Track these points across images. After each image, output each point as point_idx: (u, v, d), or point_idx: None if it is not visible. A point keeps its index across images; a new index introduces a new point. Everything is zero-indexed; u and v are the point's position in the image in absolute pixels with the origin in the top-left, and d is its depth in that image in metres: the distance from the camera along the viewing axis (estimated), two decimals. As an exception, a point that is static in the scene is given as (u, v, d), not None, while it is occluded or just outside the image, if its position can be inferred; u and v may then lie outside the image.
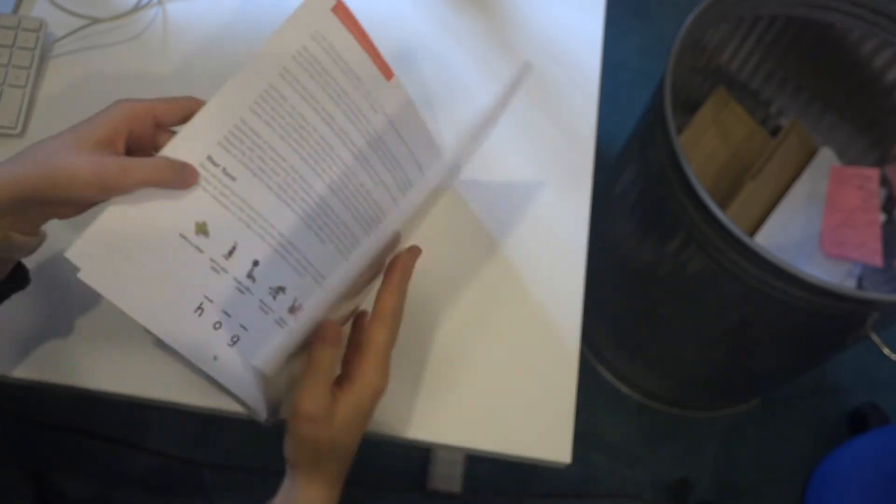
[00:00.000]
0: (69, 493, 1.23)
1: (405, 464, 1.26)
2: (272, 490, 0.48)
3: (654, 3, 1.68)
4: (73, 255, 0.43)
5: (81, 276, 0.43)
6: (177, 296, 0.47)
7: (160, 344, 0.55)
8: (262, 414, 0.50)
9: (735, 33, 1.17)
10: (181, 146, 0.45)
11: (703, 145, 1.23)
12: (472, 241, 0.63)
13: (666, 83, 0.88)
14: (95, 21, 0.68)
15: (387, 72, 0.52)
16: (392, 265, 0.48)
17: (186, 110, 0.46)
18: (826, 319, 0.89)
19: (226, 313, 0.48)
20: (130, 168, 0.43)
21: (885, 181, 1.20)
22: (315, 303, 0.47)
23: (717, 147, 1.24)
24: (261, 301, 0.49)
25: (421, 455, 1.26)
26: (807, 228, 1.19)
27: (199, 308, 0.47)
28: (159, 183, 0.44)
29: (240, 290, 0.48)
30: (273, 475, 0.50)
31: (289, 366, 0.44)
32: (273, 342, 0.41)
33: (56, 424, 1.19)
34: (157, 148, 0.46)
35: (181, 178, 0.45)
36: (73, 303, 0.57)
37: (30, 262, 0.49)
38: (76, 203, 0.44)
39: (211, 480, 1.24)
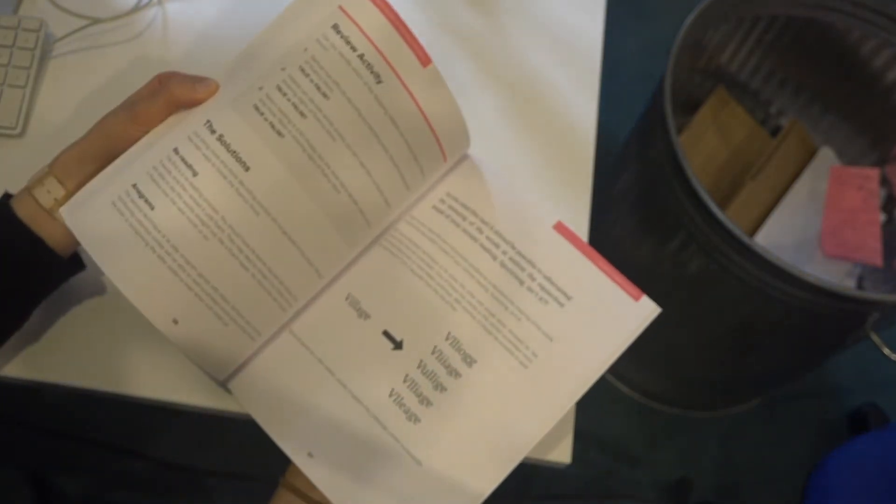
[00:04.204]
0: (70, 493, 1.23)
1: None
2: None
3: (654, 3, 1.68)
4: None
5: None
6: None
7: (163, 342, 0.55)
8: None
9: (735, 33, 1.17)
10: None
11: (703, 145, 1.23)
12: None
13: (666, 83, 0.88)
14: (95, 21, 0.68)
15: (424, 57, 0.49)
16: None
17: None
18: (826, 319, 0.89)
19: None
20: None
21: (885, 181, 1.20)
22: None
23: (717, 147, 1.24)
24: None
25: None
26: (807, 228, 1.19)
27: None
28: (180, 95, 0.48)
29: None
30: (274, 482, 0.50)
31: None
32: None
33: (56, 431, 1.19)
34: None
35: (204, 86, 0.48)
36: (72, 303, 0.57)
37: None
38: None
39: (213, 484, 1.24)
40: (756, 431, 1.38)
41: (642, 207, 1.02)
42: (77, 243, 0.49)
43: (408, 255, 0.52)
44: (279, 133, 0.46)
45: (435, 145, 0.51)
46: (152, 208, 0.44)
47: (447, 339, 0.50)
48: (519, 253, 0.52)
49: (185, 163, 0.45)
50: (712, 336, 1.08)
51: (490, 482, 0.47)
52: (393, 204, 0.51)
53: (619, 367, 1.35)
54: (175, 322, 0.45)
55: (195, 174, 0.45)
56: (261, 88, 0.46)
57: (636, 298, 0.50)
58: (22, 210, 0.48)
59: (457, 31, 0.71)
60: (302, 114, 0.46)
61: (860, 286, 1.19)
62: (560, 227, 0.53)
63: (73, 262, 0.51)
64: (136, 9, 0.69)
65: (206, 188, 0.45)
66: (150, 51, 0.68)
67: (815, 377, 1.41)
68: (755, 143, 1.26)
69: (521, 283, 0.51)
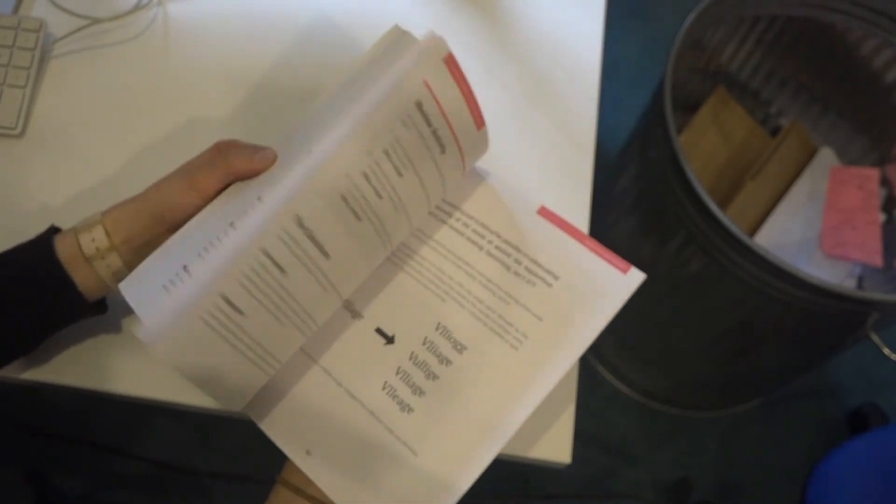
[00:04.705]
0: (69, 493, 1.23)
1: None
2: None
3: (654, 3, 1.68)
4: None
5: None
6: None
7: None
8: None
9: (735, 33, 1.17)
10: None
11: (703, 145, 1.23)
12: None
13: (666, 83, 0.88)
14: (95, 21, 0.68)
15: (479, 120, 0.50)
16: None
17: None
18: (826, 319, 0.89)
19: None
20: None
21: (885, 181, 1.20)
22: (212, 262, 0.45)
23: (717, 147, 1.24)
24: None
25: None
26: (807, 228, 1.19)
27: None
28: (238, 166, 0.47)
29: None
30: (272, 482, 0.50)
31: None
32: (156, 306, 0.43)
33: (56, 431, 1.19)
34: None
35: (262, 157, 0.48)
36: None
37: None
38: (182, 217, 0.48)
39: (212, 485, 1.25)
40: (756, 431, 1.38)
41: (642, 207, 1.02)
42: (107, 289, 0.50)
43: (398, 255, 0.54)
44: (358, 217, 0.47)
45: (462, 177, 0.54)
46: (242, 314, 0.44)
47: (437, 329, 0.51)
48: (505, 241, 0.53)
49: (277, 265, 0.44)
50: (712, 336, 1.08)
51: (480, 463, 0.47)
52: (415, 227, 0.54)
53: (620, 367, 1.35)
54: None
55: (283, 272, 0.45)
56: (347, 175, 0.45)
57: (624, 271, 0.51)
58: (62, 248, 0.48)
59: (456, 31, 0.71)
60: (379, 195, 0.47)
61: (860, 286, 1.19)
62: (543, 212, 0.54)
63: (97, 304, 0.51)
64: (136, 9, 0.69)
65: (293, 285, 0.45)
66: (151, 51, 0.68)
67: (815, 377, 1.41)
68: (755, 143, 1.26)
69: (508, 268, 0.52)
